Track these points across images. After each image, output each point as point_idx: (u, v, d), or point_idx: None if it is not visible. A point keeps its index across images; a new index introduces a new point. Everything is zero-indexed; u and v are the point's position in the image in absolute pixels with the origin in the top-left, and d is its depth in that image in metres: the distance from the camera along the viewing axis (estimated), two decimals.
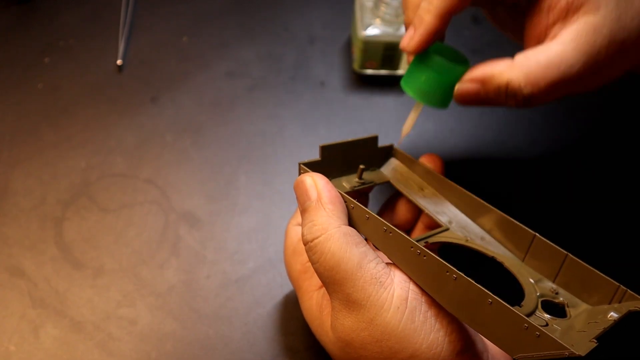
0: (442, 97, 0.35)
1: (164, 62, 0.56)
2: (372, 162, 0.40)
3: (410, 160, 0.41)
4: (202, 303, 0.42)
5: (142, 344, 0.40)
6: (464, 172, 0.51)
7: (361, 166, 0.37)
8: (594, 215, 0.48)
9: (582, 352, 0.25)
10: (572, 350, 0.25)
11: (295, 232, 0.38)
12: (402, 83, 0.37)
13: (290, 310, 0.42)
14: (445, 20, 0.34)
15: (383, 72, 0.55)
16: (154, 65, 0.56)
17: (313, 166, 0.35)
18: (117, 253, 0.44)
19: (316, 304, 0.35)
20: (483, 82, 0.34)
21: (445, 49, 0.36)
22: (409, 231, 0.41)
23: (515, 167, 0.51)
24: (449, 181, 0.39)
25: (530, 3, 0.35)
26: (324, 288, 0.35)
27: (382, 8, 0.52)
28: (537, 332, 0.26)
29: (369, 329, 0.30)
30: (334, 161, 0.36)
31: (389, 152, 0.42)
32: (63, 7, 0.60)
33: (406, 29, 0.37)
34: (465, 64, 0.35)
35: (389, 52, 0.53)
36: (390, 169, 0.41)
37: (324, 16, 0.61)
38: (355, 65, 0.55)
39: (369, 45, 0.53)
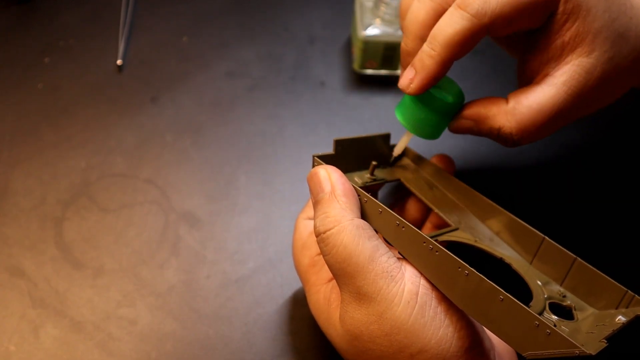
0: (435, 131, 0.37)
1: (164, 62, 0.56)
2: (384, 159, 0.40)
3: (421, 159, 0.41)
4: (202, 303, 0.42)
5: (142, 344, 0.40)
6: (464, 173, 0.51)
7: (373, 162, 0.37)
8: (602, 218, 0.48)
9: (593, 351, 0.25)
10: (582, 349, 0.25)
11: (305, 226, 0.38)
12: (398, 113, 0.37)
13: (291, 310, 0.42)
14: (447, 66, 0.34)
15: (383, 72, 0.55)
16: (154, 65, 0.56)
17: (326, 159, 0.35)
18: (117, 253, 0.44)
19: (324, 298, 0.35)
20: (477, 121, 0.36)
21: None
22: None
23: (517, 167, 0.51)
24: (460, 182, 0.39)
25: (526, 41, 0.36)
26: (332, 282, 0.35)
27: (382, 8, 0.52)
28: (547, 330, 0.26)
29: (379, 322, 0.30)
30: (346, 156, 0.36)
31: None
32: (63, 7, 0.60)
33: (402, 58, 0.37)
34: (460, 96, 0.36)
35: (388, 52, 0.53)
36: (401, 167, 0.41)
37: (324, 16, 0.61)
38: (355, 65, 0.55)
39: (369, 45, 0.53)
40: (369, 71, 0.55)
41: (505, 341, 0.28)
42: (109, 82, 0.55)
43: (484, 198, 0.37)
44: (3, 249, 0.44)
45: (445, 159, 0.41)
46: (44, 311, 0.41)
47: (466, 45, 0.33)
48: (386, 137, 0.40)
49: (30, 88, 0.54)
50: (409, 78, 0.35)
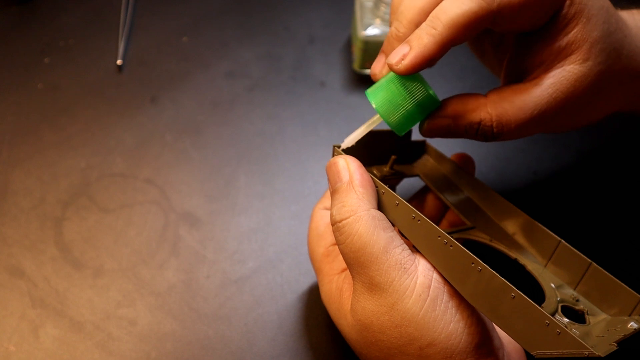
0: (406, 123, 0.34)
1: (164, 62, 0.56)
2: (404, 155, 0.40)
3: (441, 157, 0.41)
4: (202, 303, 0.42)
5: (142, 344, 0.40)
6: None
7: (393, 156, 0.37)
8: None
9: (602, 353, 0.25)
10: (592, 350, 0.25)
11: (322, 215, 0.38)
12: (370, 95, 0.34)
13: (290, 310, 0.42)
14: (446, 49, 0.32)
15: None
16: (154, 65, 0.56)
17: (346, 150, 0.35)
18: (116, 253, 0.44)
19: (336, 288, 0.35)
20: (455, 118, 0.34)
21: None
22: None
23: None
24: (479, 180, 0.39)
25: (519, 43, 0.35)
26: (345, 272, 0.35)
27: (382, 8, 0.52)
28: (558, 330, 0.26)
29: (390, 313, 0.30)
30: (366, 148, 0.36)
31: (421, 147, 0.42)
32: (63, 7, 0.60)
33: (388, 44, 0.35)
34: (437, 99, 0.34)
35: None
36: (421, 164, 0.41)
37: (324, 16, 0.61)
38: (355, 65, 0.55)
39: (369, 45, 0.53)
40: (369, 71, 0.55)
41: (514, 339, 0.28)
42: (109, 82, 0.55)
43: (502, 199, 0.37)
44: (3, 249, 0.44)
45: (466, 158, 0.41)
46: (44, 311, 0.41)
47: (469, 30, 0.31)
48: (407, 133, 0.40)
49: (30, 88, 0.54)
50: (402, 54, 0.32)
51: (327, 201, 0.39)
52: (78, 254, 0.44)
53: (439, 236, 0.30)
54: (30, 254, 0.44)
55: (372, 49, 0.53)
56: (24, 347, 0.40)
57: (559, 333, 0.26)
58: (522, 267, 0.35)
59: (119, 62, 0.56)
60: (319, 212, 0.39)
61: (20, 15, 0.59)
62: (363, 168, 0.33)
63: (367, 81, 0.56)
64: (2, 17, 0.58)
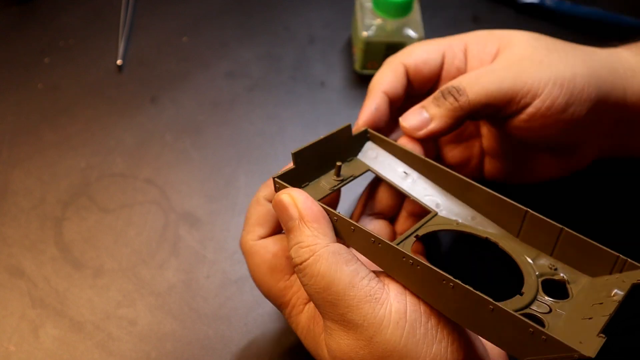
0: None
1: (164, 62, 0.56)
2: (349, 152, 0.38)
3: (388, 143, 0.38)
4: (202, 303, 0.42)
5: (142, 344, 0.40)
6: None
7: (338, 163, 0.35)
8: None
9: (592, 354, 0.25)
10: (580, 352, 0.24)
11: (263, 247, 0.35)
12: None
13: None
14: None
15: None
16: (154, 65, 0.56)
17: (288, 176, 0.33)
18: (116, 253, 0.44)
19: (307, 318, 0.34)
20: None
21: None
22: (393, 218, 0.40)
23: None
24: (432, 162, 0.36)
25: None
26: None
27: None
28: (543, 337, 0.25)
29: (369, 347, 0.29)
30: (309, 164, 0.35)
31: (364, 137, 0.39)
32: (63, 7, 0.60)
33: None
34: None
35: (390, 53, 0.53)
36: (367, 155, 0.39)
37: (324, 16, 0.61)
38: (357, 66, 0.55)
39: (370, 45, 0.52)
40: (370, 71, 0.55)
41: (502, 348, 0.27)
42: (109, 82, 0.55)
43: (460, 176, 0.35)
44: (3, 249, 0.44)
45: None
46: (44, 311, 0.41)
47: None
48: (347, 130, 0.37)
49: (30, 88, 0.54)
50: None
51: (257, 229, 0.36)
52: (78, 254, 0.44)
53: (404, 257, 0.29)
54: (30, 254, 0.44)
55: (374, 49, 0.53)
56: (24, 347, 0.40)
57: (545, 339, 0.25)
58: (495, 246, 0.34)
59: (119, 62, 0.56)
60: (257, 245, 0.35)
61: (20, 15, 0.59)
62: (310, 199, 0.31)
63: (367, 81, 0.55)
64: (2, 17, 0.58)
